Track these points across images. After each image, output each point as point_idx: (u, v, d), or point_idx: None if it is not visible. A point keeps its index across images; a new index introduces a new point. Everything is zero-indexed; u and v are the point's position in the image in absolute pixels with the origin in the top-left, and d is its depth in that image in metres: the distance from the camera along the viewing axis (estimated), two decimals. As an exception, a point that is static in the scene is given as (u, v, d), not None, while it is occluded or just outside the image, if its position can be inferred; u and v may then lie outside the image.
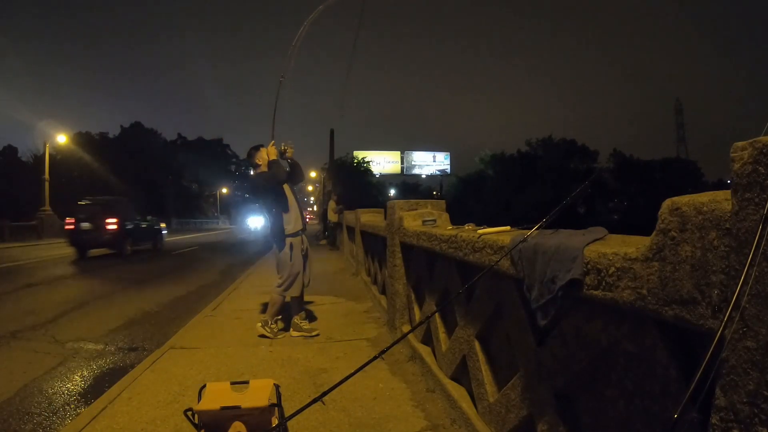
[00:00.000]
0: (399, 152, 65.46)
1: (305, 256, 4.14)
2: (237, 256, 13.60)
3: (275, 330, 3.97)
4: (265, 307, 4.71)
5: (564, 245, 1.30)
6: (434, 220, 3.22)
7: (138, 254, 13.20)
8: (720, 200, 0.85)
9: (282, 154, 4.14)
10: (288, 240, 3.98)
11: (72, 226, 12.53)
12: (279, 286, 4.02)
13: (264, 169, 4.07)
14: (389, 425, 2.31)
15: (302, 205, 4.31)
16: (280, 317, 4.08)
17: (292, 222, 4.02)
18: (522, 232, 1.75)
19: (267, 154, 4.06)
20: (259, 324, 3.99)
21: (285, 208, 4.02)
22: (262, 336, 3.92)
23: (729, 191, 0.83)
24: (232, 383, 1.94)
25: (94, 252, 12.91)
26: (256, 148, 4.14)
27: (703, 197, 0.89)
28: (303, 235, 4.14)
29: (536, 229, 1.50)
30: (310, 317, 4.49)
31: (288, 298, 4.08)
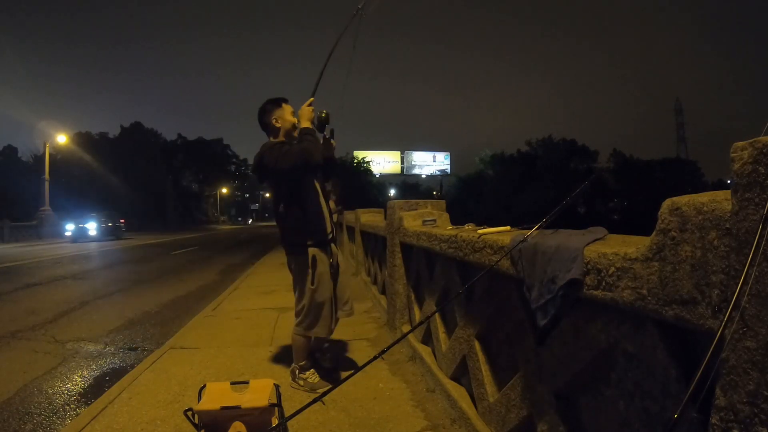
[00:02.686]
0: (399, 152, 65.54)
1: (336, 274, 2.82)
2: (237, 256, 13.61)
3: (313, 382, 2.78)
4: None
5: (564, 245, 1.30)
6: (434, 220, 3.21)
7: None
8: (720, 200, 0.85)
9: (322, 123, 2.74)
10: (310, 251, 2.68)
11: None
12: (298, 323, 2.77)
13: (282, 138, 2.77)
14: (389, 425, 2.31)
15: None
16: (307, 362, 2.85)
17: (317, 223, 2.74)
18: (522, 232, 1.75)
19: (297, 117, 2.76)
20: (290, 379, 2.87)
21: (311, 203, 2.73)
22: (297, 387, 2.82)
23: (729, 191, 0.83)
24: (232, 383, 1.95)
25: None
26: (277, 104, 2.79)
27: (703, 197, 0.89)
28: (333, 244, 2.83)
29: (536, 229, 1.50)
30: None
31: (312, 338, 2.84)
